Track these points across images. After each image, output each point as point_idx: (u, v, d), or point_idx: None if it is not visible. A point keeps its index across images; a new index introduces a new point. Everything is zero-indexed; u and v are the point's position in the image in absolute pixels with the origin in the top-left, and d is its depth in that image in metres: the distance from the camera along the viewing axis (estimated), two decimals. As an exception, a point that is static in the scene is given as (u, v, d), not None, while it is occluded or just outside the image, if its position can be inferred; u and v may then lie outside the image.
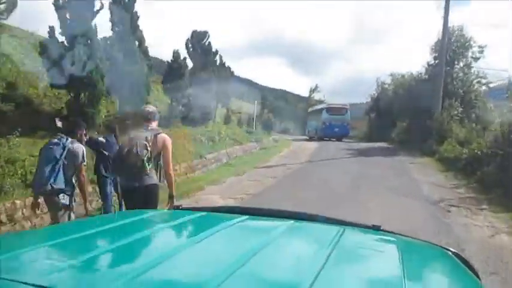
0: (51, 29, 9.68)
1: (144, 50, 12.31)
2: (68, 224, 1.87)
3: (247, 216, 1.57)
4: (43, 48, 9.63)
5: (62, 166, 4.07)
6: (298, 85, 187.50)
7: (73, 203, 4.24)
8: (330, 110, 27.58)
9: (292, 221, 1.53)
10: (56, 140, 4.21)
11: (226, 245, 1.24)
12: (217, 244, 1.21)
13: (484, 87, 20.02)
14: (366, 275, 1.05)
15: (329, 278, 0.94)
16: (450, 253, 1.44)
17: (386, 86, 28.39)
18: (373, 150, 19.94)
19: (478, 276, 1.31)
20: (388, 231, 1.59)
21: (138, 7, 12.13)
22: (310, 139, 28.34)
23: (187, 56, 18.19)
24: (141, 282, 0.84)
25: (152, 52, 17.28)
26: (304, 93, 47.47)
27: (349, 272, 1.07)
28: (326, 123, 26.82)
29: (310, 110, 35.36)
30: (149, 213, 1.75)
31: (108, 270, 0.99)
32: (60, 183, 4.04)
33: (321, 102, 44.89)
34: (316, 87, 47.17)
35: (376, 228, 1.59)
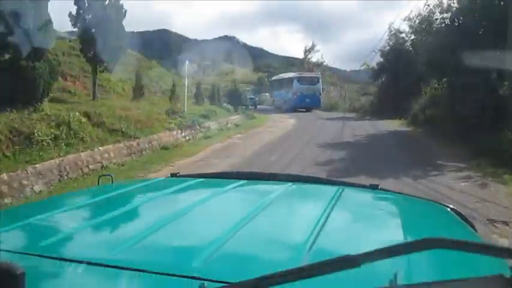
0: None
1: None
2: (68, 195, 1.86)
3: (245, 181, 1.59)
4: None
5: None
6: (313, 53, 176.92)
7: None
8: (301, 79, 26.08)
9: (290, 183, 1.53)
10: None
11: (227, 208, 1.27)
12: (218, 207, 1.25)
13: None
14: (365, 232, 1.07)
15: (329, 236, 0.95)
16: (448, 209, 1.42)
17: (404, 35, 19.70)
18: (388, 141, 11.76)
19: (475, 231, 1.32)
20: (386, 190, 1.61)
21: None
22: (277, 110, 25.41)
23: None
24: (143, 247, 0.86)
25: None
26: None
27: (349, 229, 1.11)
28: (297, 94, 25.23)
29: (275, 78, 31.19)
30: (148, 182, 1.80)
31: (111, 237, 1.00)
32: None
33: (319, 65, 35.39)
34: (313, 46, 37.29)
35: (374, 187, 1.60)
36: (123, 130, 9.38)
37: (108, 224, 1.06)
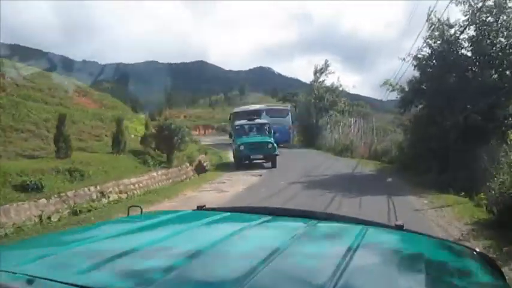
0: None
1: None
2: (94, 226, 1.84)
3: (270, 217, 1.60)
4: None
5: None
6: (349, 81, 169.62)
7: None
8: (270, 111, 24.14)
9: (315, 221, 1.55)
10: None
11: (251, 244, 1.27)
12: (242, 243, 1.26)
13: None
14: (390, 275, 1.06)
15: (353, 278, 0.95)
16: (475, 254, 1.41)
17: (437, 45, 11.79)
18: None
19: (503, 277, 1.30)
20: (411, 231, 1.59)
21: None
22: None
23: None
24: (169, 280, 0.88)
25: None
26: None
27: (373, 272, 1.08)
28: None
29: (236, 111, 25.43)
30: (175, 214, 1.77)
31: (137, 268, 0.98)
32: None
33: (333, 90, 26.17)
34: (326, 66, 28.04)
35: (398, 228, 1.58)
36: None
37: (135, 254, 1.07)
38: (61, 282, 0.82)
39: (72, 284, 0.81)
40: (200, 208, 1.85)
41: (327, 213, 1.79)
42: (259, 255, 1.03)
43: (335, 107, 26.93)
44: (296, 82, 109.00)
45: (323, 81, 27.99)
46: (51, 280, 0.82)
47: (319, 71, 28.03)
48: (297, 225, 1.50)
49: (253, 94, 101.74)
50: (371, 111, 29.09)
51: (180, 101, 76.69)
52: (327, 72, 28.07)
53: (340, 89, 27.55)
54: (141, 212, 1.64)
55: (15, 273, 0.86)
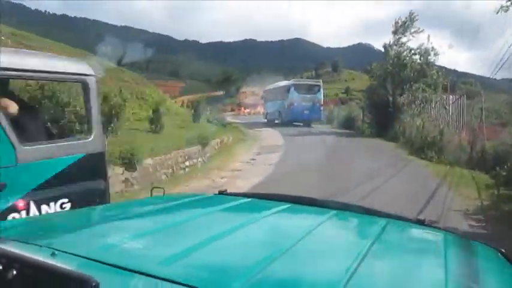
0: None
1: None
2: (117, 204, 1.92)
3: (290, 204, 1.60)
4: None
5: None
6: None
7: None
8: (299, 87, 23.06)
9: (335, 211, 1.52)
10: None
11: (270, 231, 1.29)
12: (262, 230, 1.28)
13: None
14: (407, 270, 1.04)
15: (369, 270, 0.95)
16: (497, 251, 1.37)
17: None
18: None
19: None
20: (432, 226, 1.58)
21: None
22: (268, 124, 22.59)
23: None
24: (185, 263, 0.90)
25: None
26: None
27: (390, 266, 1.07)
28: (294, 104, 21.92)
29: (268, 88, 27.38)
30: (196, 197, 1.77)
31: (157, 249, 1.01)
32: None
33: (421, 54, 17.88)
34: (411, 18, 19.03)
35: (420, 222, 1.56)
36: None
37: (155, 235, 1.10)
38: (82, 257, 0.85)
39: (92, 259, 0.84)
40: (221, 192, 1.87)
41: (348, 203, 1.70)
42: (277, 243, 1.08)
43: (424, 79, 18.19)
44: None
45: (406, 42, 19.25)
46: (73, 255, 0.86)
47: (401, 28, 19.20)
48: (317, 215, 1.47)
49: (347, 71, 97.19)
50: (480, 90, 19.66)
51: (269, 79, 71.01)
52: (412, 30, 19.13)
53: (432, 54, 18.44)
54: (164, 193, 1.69)
55: (40, 246, 0.90)
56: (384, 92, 19.00)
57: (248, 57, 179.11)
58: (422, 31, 18.91)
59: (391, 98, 18.64)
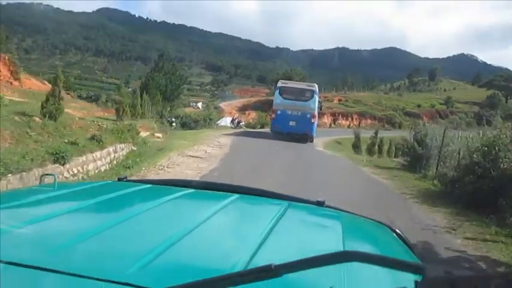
0: None
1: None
2: (7, 193, 1.79)
3: (192, 190, 1.59)
4: None
5: None
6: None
7: None
8: (286, 90, 17.84)
9: (237, 195, 1.52)
10: None
11: (170, 216, 1.27)
12: (161, 215, 1.24)
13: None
14: (306, 249, 1.05)
15: (269, 251, 0.96)
16: (389, 230, 1.49)
17: None
18: None
19: (412, 250, 1.37)
20: (332, 207, 1.63)
21: None
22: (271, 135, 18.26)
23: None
24: (79, 251, 0.87)
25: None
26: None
27: (289, 245, 1.10)
28: (277, 111, 17.60)
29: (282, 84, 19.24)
30: (93, 184, 1.72)
31: (47, 239, 0.94)
32: None
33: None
34: None
35: (319, 204, 1.62)
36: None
37: (45, 225, 1.03)
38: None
39: None
40: (121, 179, 1.81)
41: (251, 188, 1.69)
42: (176, 228, 1.04)
43: None
44: (505, 72, 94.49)
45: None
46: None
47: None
48: (219, 200, 1.42)
49: (447, 80, 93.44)
50: None
51: (354, 85, 75.65)
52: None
53: None
54: (55, 181, 1.52)
55: None
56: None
57: (337, 65, 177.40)
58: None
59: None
